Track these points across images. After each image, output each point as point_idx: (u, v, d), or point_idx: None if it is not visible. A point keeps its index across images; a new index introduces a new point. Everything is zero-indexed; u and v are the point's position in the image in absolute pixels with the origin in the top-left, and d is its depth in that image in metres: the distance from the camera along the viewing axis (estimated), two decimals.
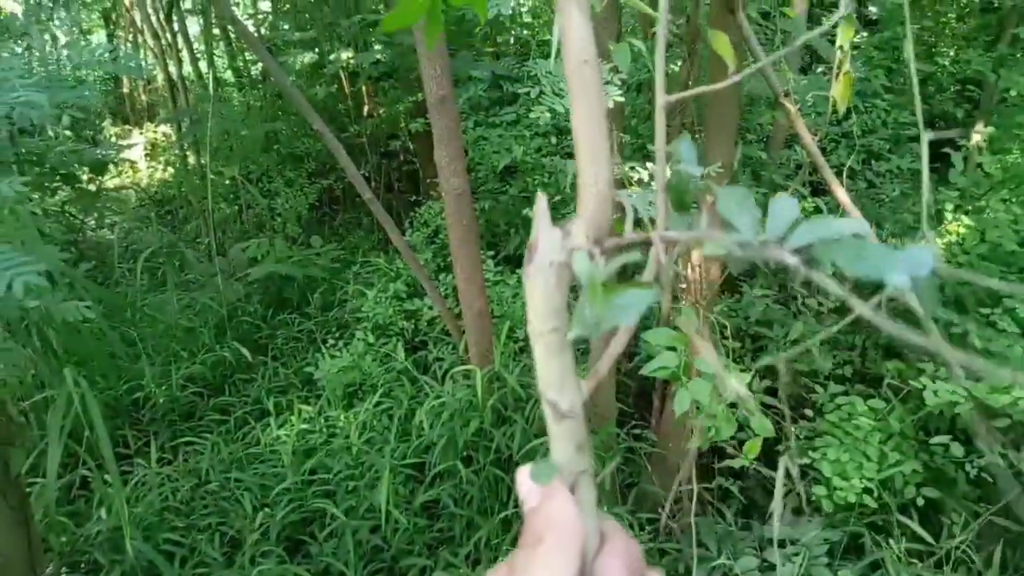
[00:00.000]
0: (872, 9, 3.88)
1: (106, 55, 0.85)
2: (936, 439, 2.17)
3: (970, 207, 2.46)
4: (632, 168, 1.85)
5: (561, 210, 2.98)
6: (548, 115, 1.51)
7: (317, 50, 4.35)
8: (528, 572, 0.29)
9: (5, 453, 1.49)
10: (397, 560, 2.37)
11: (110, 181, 5.21)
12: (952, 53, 4.26)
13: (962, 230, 2.40)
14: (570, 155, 3.10)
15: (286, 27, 4.76)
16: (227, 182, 4.69)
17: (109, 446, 2.37)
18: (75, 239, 4.20)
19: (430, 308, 3.42)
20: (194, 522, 2.51)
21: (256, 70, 5.37)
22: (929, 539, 2.11)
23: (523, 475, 0.33)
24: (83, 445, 2.59)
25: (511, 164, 3.32)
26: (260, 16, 5.36)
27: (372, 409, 2.85)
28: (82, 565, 2.47)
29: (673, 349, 1.92)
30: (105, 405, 3.14)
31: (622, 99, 1.55)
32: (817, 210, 2.51)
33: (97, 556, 2.39)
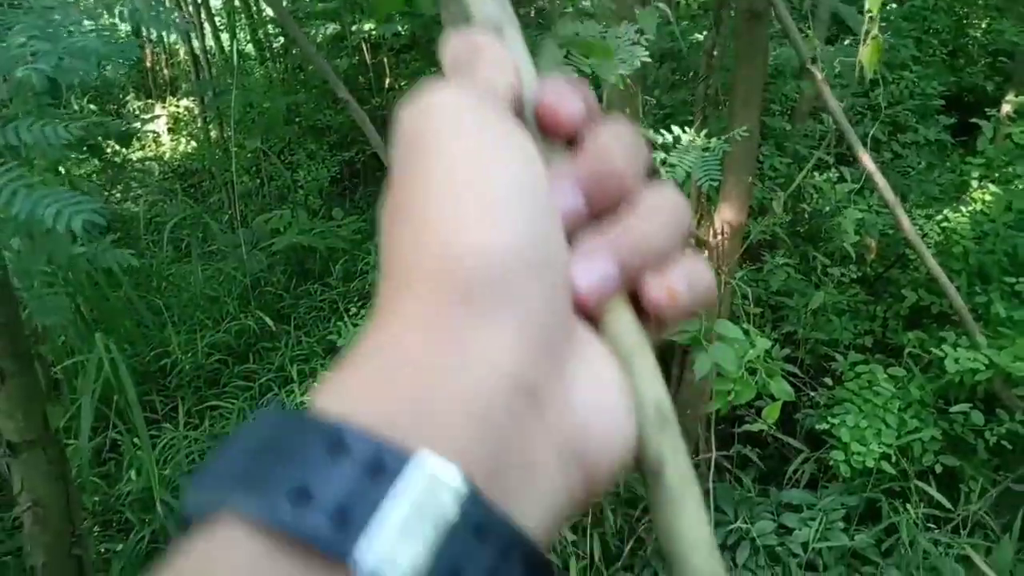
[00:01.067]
0: None
1: (145, 6, 0.87)
2: (956, 407, 2.17)
3: (997, 174, 2.44)
4: (656, 131, 1.85)
5: None
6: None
7: (339, 22, 4.35)
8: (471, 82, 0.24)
9: (44, 409, 1.54)
10: None
11: (134, 154, 5.28)
12: (984, 24, 4.18)
13: (988, 198, 2.38)
14: None
15: None
16: (249, 155, 4.73)
17: (139, 410, 2.44)
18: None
19: None
20: None
21: (278, 43, 5.38)
22: (947, 504, 2.12)
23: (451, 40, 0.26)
24: (113, 409, 2.66)
25: None
26: None
27: None
28: (114, 523, 2.55)
29: (694, 314, 1.94)
30: (133, 371, 3.21)
31: (649, 60, 1.55)
32: (842, 179, 2.50)
33: (128, 515, 2.46)
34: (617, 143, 0.24)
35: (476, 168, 0.22)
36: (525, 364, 0.20)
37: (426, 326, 0.20)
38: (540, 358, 0.20)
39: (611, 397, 0.23)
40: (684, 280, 0.24)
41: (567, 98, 0.25)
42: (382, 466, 0.17)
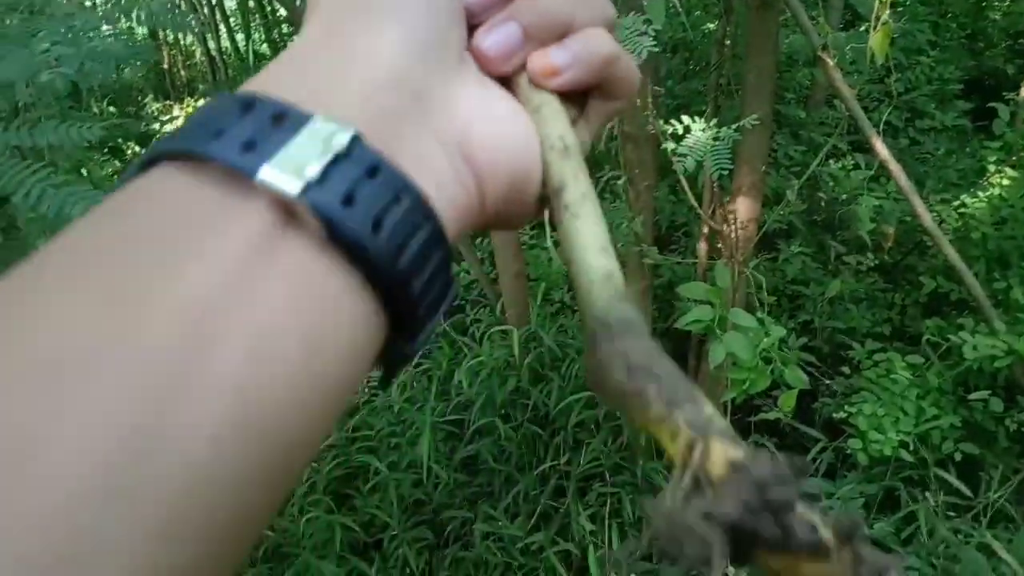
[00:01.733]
0: None
1: (159, 6, 0.89)
2: (975, 394, 2.16)
3: (1016, 158, 2.41)
4: (667, 122, 1.85)
5: (595, 172, 2.99)
6: None
7: None
8: None
9: None
10: (438, 513, 2.45)
11: None
12: (1004, 6, 4.11)
13: (1006, 182, 2.35)
14: None
15: None
16: None
17: None
18: None
19: (468, 272, 3.47)
20: None
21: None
22: (967, 492, 2.10)
23: None
24: None
25: None
26: None
27: (412, 370, 2.92)
28: None
29: (708, 304, 1.93)
30: None
31: (657, 50, 1.55)
32: (857, 167, 2.48)
33: None
34: None
35: None
36: (407, 67, 0.23)
37: (325, 32, 0.24)
38: (423, 66, 0.24)
39: (498, 114, 0.26)
40: (568, 54, 0.27)
41: None
42: (285, 118, 0.20)
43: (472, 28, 0.27)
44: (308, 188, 0.19)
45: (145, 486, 0.15)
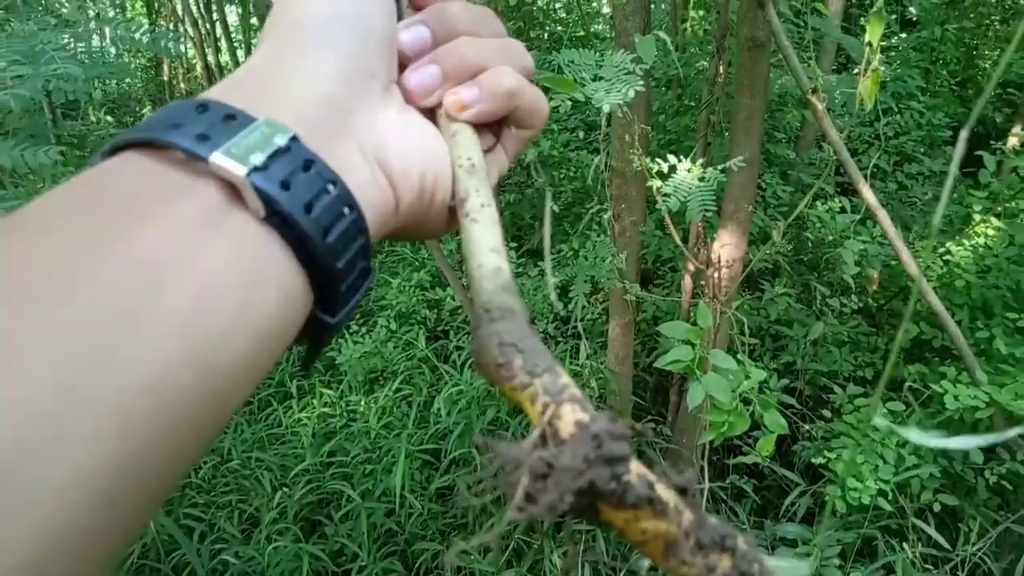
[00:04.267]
0: (911, 9, 3.80)
1: (145, 35, 0.88)
2: (955, 444, 2.13)
3: (1001, 208, 2.41)
4: (654, 160, 1.85)
5: (585, 204, 2.99)
6: (568, 104, 1.52)
7: None
8: None
9: None
10: (410, 544, 2.40)
11: None
12: (994, 56, 4.16)
13: (991, 232, 2.35)
14: (597, 151, 3.11)
15: None
16: None
17: None
18: None
19: (452, 298, 3.45)
20: (214, 499, 2.57)
21: None
22: (945, 544, 2.08)
23: None
24: None
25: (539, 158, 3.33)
26: None
27: (392, 395, 2.88)
28: None
29: (688, 343, 1.92)
30: None
31: (643, 90, 1.55)
32: (844, 210, 2.48)
33: None
34: (461, 2, 0.33)
35: None
36: (337, 90, 0.28)
37: (274, 54, 0.28)
38: (351, 90, 0.28)
39: (412, 133, 0.30)
40: (475, 91, 0.31)
41: None
42: (235, 118, 0.24)
43: (404, 66, 0.32)
44: (252, 172, 0.23)
45: (102, 393, 0.18)
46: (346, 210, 0.25)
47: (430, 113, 0.32)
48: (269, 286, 0.23)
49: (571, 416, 0.20)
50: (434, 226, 0.31)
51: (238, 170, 0.22)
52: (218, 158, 0.22)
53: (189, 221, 0.21)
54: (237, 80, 0.27)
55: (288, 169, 0.23)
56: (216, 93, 0.26)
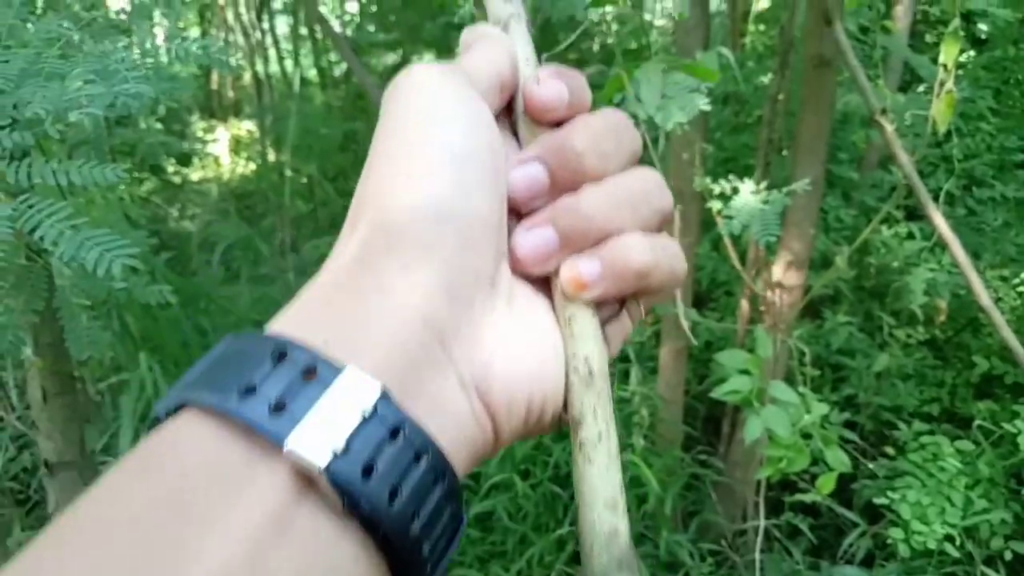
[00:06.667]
0: (982, 27, 3.65)
1: (200, 49, 0.87)
2: None
3: None
4: (715, 181, 1.78)
5: None
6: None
7: (400, 51, 4.40)
8: (457, 64, 0.28)
9: (82, 430, 1.53)
10: (448, 571, 2.34)
11: (194, 174, 5.41)
12: None
13: None
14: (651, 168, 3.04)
15: (371, 28, 4.85)
16: (304, 180, 4.80)
17: None
18: (157, 228, 4.37)
19: None
20: None
21: (340, 70, 5.48)
22: None
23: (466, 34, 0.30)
24: None
25: None
26: (347, 17, 5.49)
27: None
28: None
29: (747, 373, 1.83)
30: None
31: (708, 109, 1.48)
32: (910, 235, 2.37)
33: None
34: (584, 126, 0.28)
35: (418, 132, 0.26)
36: (434, 306, 0.24)
37: (359, 261, 0.25)
38: (450, 301, 0.24)
39: (520, 342, 0.26)
40: (598, 268, 0.26)
41: (550, 85, 0.28)
42: (316, 372, 0.21)
43: (511, 208, 0.27)
44: (332, 458, 0.20)
45: None
46: (439, 480, 0.22)
47: (543, 281, 0.28)
48: None
49: None
50: (539, 433, 0.28)
51: (317, 459, 0.20)
52: (295, 442, 0.20)
53: (256, 526, 0.19)
54: (318, 299, 0.24)
55: (372, 444, 0.21)
56: (296, 315, 0.24)
